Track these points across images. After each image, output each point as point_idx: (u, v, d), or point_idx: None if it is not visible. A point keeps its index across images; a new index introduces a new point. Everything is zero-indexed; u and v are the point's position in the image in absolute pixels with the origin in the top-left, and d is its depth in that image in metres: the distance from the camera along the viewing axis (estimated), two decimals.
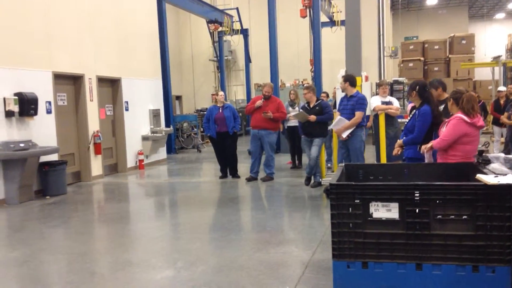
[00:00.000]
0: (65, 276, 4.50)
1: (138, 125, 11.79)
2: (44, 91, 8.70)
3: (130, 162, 11.39)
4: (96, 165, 10.15)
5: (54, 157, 8.71)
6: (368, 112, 7.71)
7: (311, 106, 8.09)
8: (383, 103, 8.45)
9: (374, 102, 8.32)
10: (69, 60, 9.45)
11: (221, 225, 6.09)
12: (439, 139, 4.41)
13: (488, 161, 3.87)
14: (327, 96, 11.08)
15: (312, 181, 8.19)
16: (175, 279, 4.23)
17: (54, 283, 4.37)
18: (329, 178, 7.68)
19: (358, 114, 7.03)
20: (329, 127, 7.76)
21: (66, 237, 5.98)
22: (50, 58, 8.94)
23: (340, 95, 8.31)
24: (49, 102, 8.86)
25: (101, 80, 10.48)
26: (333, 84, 12.69)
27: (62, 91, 9.42)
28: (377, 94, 9.07)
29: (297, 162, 10.55)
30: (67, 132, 9.50)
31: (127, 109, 11.32)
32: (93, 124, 10.08)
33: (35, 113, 8.28)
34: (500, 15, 30.04)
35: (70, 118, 9.71)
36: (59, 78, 9.23)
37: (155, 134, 12.15)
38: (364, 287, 3.38)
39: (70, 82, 9.72)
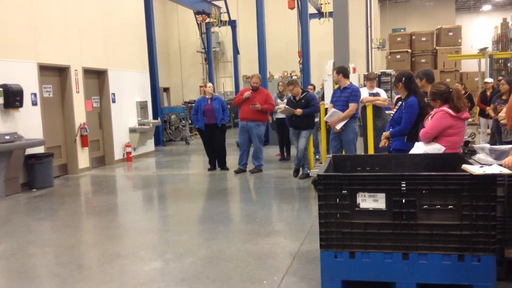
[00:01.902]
0: (52, 268, 4.47)
1: (125, 117, 11.71)
2: (30, 83, 8.60)
3: (118, 154, 11.32)
4: (83, 158, 10.08)
5: (40, 150, 8.63)
6: None
7: (297, 99, 8.10)
8: (370, 94, 8.49)
9: (362, 94, 8.35)
10: (55, 51, 9.34)
11: (209, 217, 6.09)
12: (424, 131, 4.44)
13: (473, 152, 3.92)
14: (314, 88, 11.09)
15: (301, 172, 8.22)
16: (163, 271, 4.23)
17: (41, 275, 4.34)
18: (317, 169, 7.71)
19: (352, 106, 7.05)
20: (324, 119, 7.78)
21: (54, 229, 5.94)
22: (36, 49, 8.83)
23: (328, 86, 8.34)
24: (35, 94, 8.75)
25: (87, 72, 10.38)
26: (321, 75, 12.72)
27: (47, 83, 9.31)
28: (365, 85, 9.09)
29: (285, 154, 10.57)
30: (53, 124, 9.40)
31: (114, 101, 11.23)
32: (80, 116, 10.00)
33: (21, 105, 8.18)
34: (486, 7, 30.25)
35: (56, 110, 9.61)
36: (45, 69, 9.13)
37: (142, 126, 12.08)
38: (351, 277, 3.42)
39: (55, 73, 9.61)
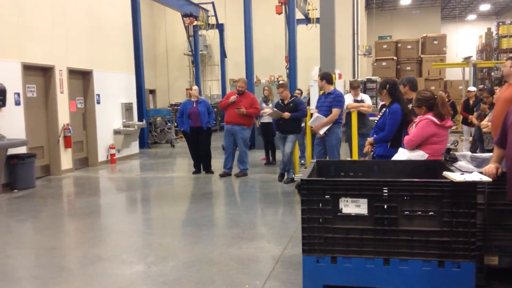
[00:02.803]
0: (32, 270, 4.41)
1: (110, 118, 11.62)
2: (13, 82, 8.48)
3: (101, 156, 11.23)
4: (66, 159, 9.97)
5: (22, 150, 8.51)
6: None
7: (285, 103, 8.13)
8: (355, 101, 8.54)
9: (347, 100, 8.41)
10: (40, 50, 9.24)
11: (193, 220, 6.07)
12: (408, 138, 4.48)
13: (455, 159, 3.97)
14: (301, 93, 11.13)
15: (286, 177, 8.24)
16: (145, 274, 4.20)
17: (20, 278, 4.28)
18: (301, 174, 7.73)
19: (335, 111, 7.11)
20: (308, 124, 7.81)
21: (34, 231, 5.87)
22: (20, 48, 8.73)
23: (314, 92, 8.38)
24: (18, 94, 8.64)
25: (72, 72, 10.29)
26: (308, 80, 12.77)
27: (31, 83, 9.21)
28: (349, 92, 9.14)
29: (271, 158, 10.58)
30: (36, 125, 9.29)
31: (98, 102, 11.14)
32: (63, 116, 9.90)
33: (3, 105, 8.07)
34: (471, 17, 30.72)
35: (40, 110, 9.50)
36: (29, 69, 9.02)
37: (127, 128, 12.00)
38: (333, 282, 3.43)
39: (40, 73, 9.51)
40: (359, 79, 11.05)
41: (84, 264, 4.53)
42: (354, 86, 8.81)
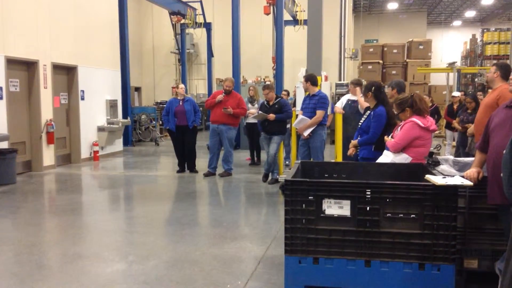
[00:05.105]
0: (10, 267, 4.34)
1: (94, 115, 11.50)
2: None
3: (85, 153, 11.11)
4: (48, 155, 9.84)
5: (4, 145, 8.39)
6: (329, 112, 7.78)
7: (271, 104, 8.13)
8: (349, 101, 8.47)
9: (340, 102, 8.40)
10: (24, 45, 9.11)
11: (176, 219, 6.04)
12: (394, 142, 4.49)
13: (437, 163, 4.01)
14: (288, 94, 11.14)
15: (270, 177, 8.24)
16: (126, 272, 4.17)
17: None
18: (286, 175, 7.74)
19: (319, 113, 7.13)
20: (293, 125, 7.80)
21: (14, 227, 5.77)
22: (3, 42, 8.59)
23: (300, 93, 8.39)
24: (1, 88, 8.51)
25: (57, 67, 10.17)
26: (294, 82, 12.80)
27: (14, 77, 9.07)
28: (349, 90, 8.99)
29: (255, 158, 10.58)
30: (18, 120, 9.16)
31: (82, 98, 11.02)
32: (46, 112, 9.77)
33: None
34: (457, 23, 31.11)
35: (22, 105, 9.37)
36: (12, 63, 8.89)
37: (111, 125, 11.89)
38: (314, 283, 3.43)
39: (23, 67, 9.37)
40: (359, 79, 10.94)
41: (64, 261, 4.47)
42: (352, 83, 8.64)
